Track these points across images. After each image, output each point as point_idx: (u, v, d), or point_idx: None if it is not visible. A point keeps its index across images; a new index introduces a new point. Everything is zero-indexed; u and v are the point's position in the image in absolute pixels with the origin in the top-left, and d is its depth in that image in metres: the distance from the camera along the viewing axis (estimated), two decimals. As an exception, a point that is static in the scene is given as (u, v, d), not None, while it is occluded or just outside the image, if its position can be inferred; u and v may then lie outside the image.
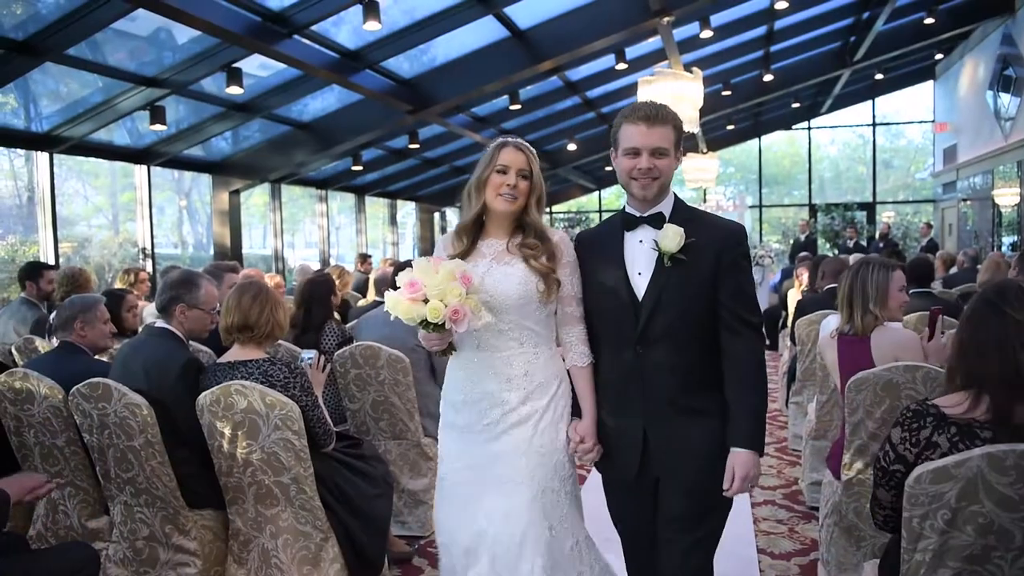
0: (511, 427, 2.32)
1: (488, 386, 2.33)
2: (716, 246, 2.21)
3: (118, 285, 5.76)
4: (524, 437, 2.32)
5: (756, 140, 19.47)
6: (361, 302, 6.30)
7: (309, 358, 3.19)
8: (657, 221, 2.24)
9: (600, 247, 2.36)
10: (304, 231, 16.74)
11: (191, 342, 3.35)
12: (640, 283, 2.24)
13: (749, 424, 2.21)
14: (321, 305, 4.32)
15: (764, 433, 2.27)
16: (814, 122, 19.26)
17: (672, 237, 2.18)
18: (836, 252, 14.40)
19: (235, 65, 7.08)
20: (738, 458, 2.20)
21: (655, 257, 2.22)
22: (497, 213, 2.34)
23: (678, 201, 2.31)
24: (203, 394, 2.83)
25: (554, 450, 2.34)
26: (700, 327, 2.22)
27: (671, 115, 2.25)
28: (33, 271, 5.59)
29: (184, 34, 6.83)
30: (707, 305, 2.21)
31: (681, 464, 2.24)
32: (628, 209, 2.33)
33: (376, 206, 15.59)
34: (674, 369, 2.20)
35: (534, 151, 2.39)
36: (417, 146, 11.28)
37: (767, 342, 2.09)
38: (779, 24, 10.95)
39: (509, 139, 2.37)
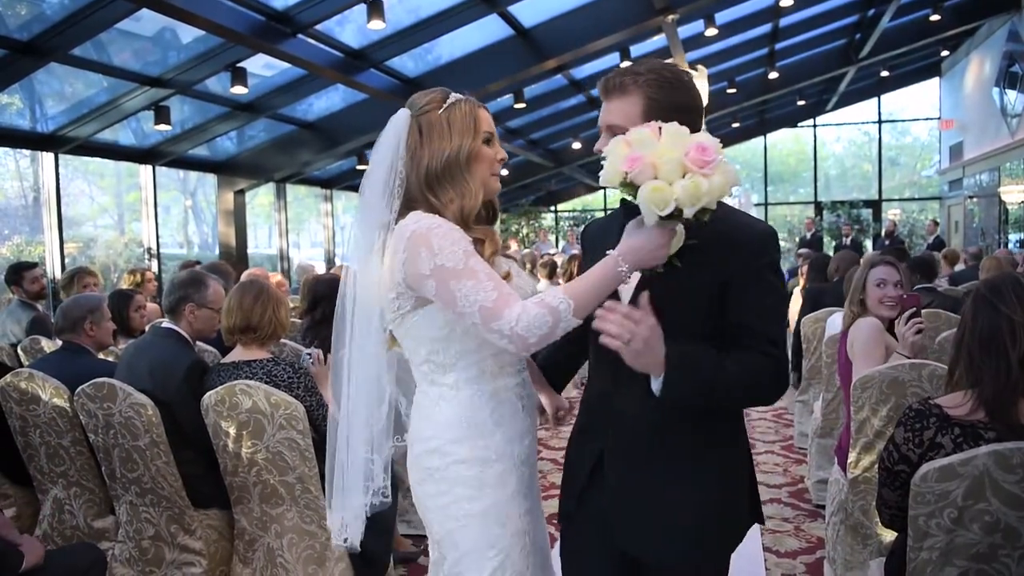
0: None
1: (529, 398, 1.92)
2: (729, 251, 1.67)
3: (124, 285, 5.74)
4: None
5: (761, 138, 19.44)
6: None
7: (308, 354, 3.20)
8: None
9: (600, 240, 1.85)
10: (309, 231, 16.74)
11: (197, 342, 3.36)
12: (625, 288, 1.71)
13: (694, 359, 1.62)
14: (329, 302, 4.29)
15: (689, 388, 1.62)
16: (819, 120, 19.21)
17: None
18: (834, 249, 14.36)
19: (239, 65, 7.09)
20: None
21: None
22: (490, 195, 1.86)
23: None
24: (208, 394, 2.84)
25: None
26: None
27: (641, 80, 1.69)
28: (14, 274, 5.47)
29: (188, 34, 6.84)
30: (708, 325, 1.69)
31: (652, 535, 1.73)
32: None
33: (381, 205, 15.57)
34: (657, 401, 1.64)
35: None
36: (421, 145, 11.26)
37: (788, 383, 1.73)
38: (784, 21, 10.93)
39: (468, 96, 1.85)
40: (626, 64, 1.87)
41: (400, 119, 1.81)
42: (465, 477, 1.78)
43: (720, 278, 1.67)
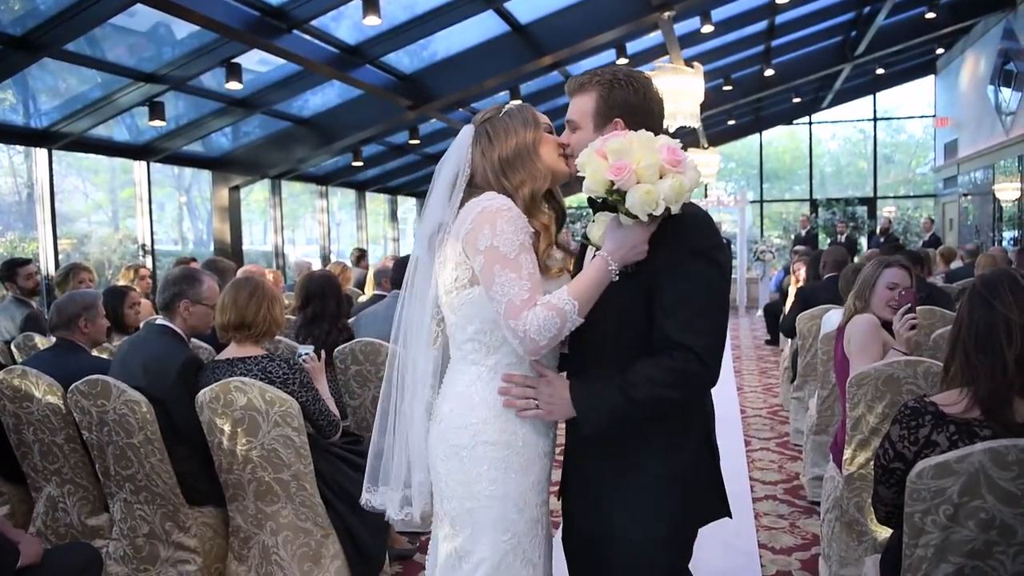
0: None
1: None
2: (657, 241, 1.72)
3: (121, 282, 5.71)
4: None
5: (757, 135, 19.45)
6: (361, 298, 6.29)
7: (305, 352, 3.19)
8: (611, 207, 1.76)
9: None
10: (305, 227, 16.72)
11: (191, 339, 3.34)
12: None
13: (597, 394, 1.77)
14: (321, 300, 4.27)
15: (605, 420, 1.77)
16: (815, 117, 19.22)
17: (599, 228, 1.79)
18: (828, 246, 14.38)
19: (234, 60, 7.06)
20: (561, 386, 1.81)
21: (594, 252, 1.84)
22: (561, 177, 1.96)
23: None
24: (202, 391, 2.83)
25: None
26: (640, 349, 1.76)
27: (597, 79, 1.86)
28: (8, 271, 5.42)
29: (183, 29, 6.81)
30: (647, 321, 1.75)
31: (597, 515, 1.88)
32: None
33: (377, 202, 15.58)
34: None
35: None
36: (417, 142, 11.26)
37: (710, 378, 1.75)
38: (780, 19, 10.93)
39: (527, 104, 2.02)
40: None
41: (466, 132, 1.96)
42: (492, 459, 1.84)
43: (649, 269, 1.74)
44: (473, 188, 1.90)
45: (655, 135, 1.74)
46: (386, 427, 1.99)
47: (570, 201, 21.04)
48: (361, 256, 10.18)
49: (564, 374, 1.90)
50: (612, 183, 1.65)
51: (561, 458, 2.02)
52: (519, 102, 2.02)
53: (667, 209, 1.65)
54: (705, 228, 1.77)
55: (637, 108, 1.85)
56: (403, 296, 2.00)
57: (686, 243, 1.73)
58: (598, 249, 1.78)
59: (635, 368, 1.73)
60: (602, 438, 1.82)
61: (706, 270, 1.74)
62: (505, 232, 1.75)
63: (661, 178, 1.65)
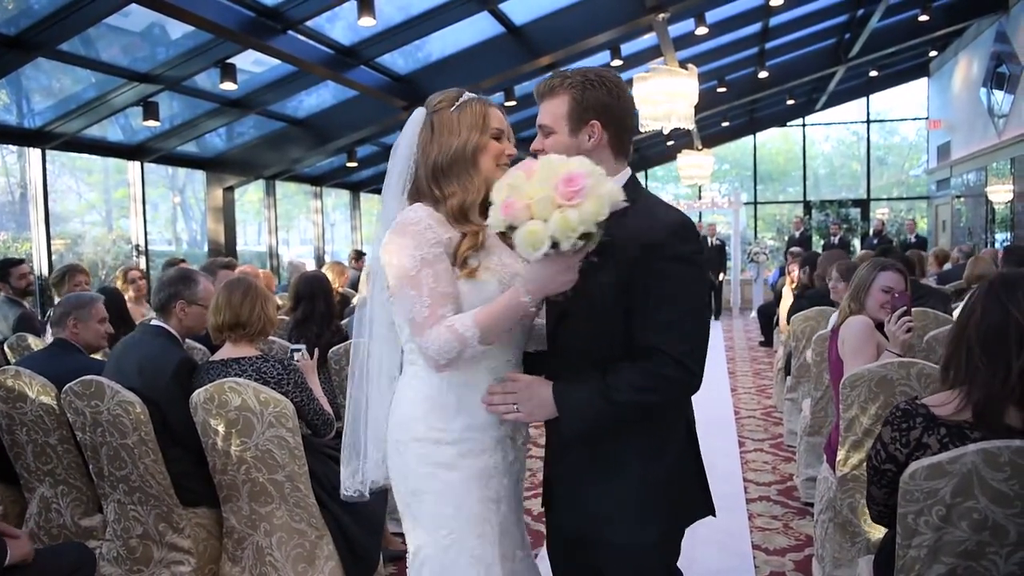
0: (521, 451, 2.00)
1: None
2: (632, 247, 1.70)
3: (118, 284, 5.69)
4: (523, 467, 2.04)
5: (751, 137, 19.48)
6: (355, 299, 6.28)
7: (296, 350, 3.19)
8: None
9: None
10: (299, 228, 16.69)
11: (186, 340, 3.34)
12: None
13: (578, 398, 1.76)
14: (311, 301, 4.25)
15: (586, 424, 1.78)
16: (809, 119, 19.25)
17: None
18: (822, 248, 14.41)
19: (229, 61, 7.04)
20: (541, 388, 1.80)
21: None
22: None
23: (625, 188, 1.74)
24: (196, 392, 2.82)
25: None
26: (617, 350, 1.75)
27: (568, 82, 1.82)
28: (0, 270, 5.40)
29: (177, 29, 6.79)
30: (625, 323, 1.74)
31: (576, 516, 1.89)
32: None
33: (371, 202, 15.54)
34: None
35: None
36: (412, 142, 11.22)
37: (693, 384, 1.75)
38: (774, 21, 10.95)
39: (481, 96, 1.94)
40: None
41: (416, 117, 1.92)
42: (419, 455, 1.86)
43: (623, 276, 1.71)
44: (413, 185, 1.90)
45: (624, 137, 1.81)
46: (350, 413, 2.01)
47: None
48: (358, 257, 10.18)
49: (543, 376, 1.87)
50: (504, 220, 1.63)
51: (536, 466, 2.04)
52: (474, 95, 1.92)
53: (555, 244, 1.57)
54: (685, 232, 1.75)
55: (612, 108, 1.83)
56: (371, 292, 2.00)
57: (665, 247, 1.71)
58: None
59: (617, 371, 1.72)
60: (583, 441, 1.81)
61: (687, 274, 1.72)
62: (407, 248, 1.77)
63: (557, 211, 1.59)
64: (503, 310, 1.72)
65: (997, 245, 13.06)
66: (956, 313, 3.10)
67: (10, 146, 9.27)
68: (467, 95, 1.91)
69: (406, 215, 1.83)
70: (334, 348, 3.95)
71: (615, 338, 1.75)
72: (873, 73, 16.24)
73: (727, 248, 14.93)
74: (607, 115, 1.82)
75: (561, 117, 1.82)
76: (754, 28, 11.04)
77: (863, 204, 18.88)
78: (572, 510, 1.89)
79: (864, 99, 18.80)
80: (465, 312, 1.76)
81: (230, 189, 10.24)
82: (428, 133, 1.88)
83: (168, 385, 2.95)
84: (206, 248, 10.60)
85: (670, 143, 16.32)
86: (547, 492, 2.03)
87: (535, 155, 1.80)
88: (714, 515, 1.94)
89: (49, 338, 3.64)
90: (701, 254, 1.78)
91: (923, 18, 12.12)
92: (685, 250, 1.73)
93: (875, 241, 13.57)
